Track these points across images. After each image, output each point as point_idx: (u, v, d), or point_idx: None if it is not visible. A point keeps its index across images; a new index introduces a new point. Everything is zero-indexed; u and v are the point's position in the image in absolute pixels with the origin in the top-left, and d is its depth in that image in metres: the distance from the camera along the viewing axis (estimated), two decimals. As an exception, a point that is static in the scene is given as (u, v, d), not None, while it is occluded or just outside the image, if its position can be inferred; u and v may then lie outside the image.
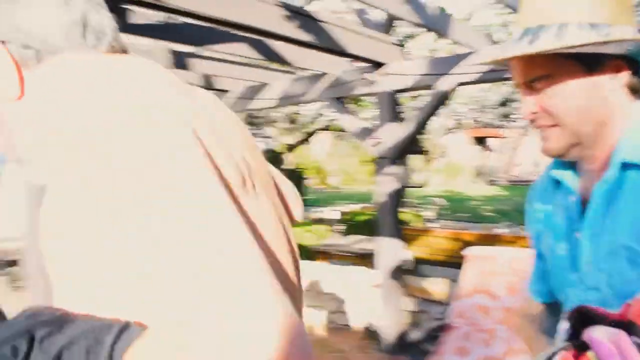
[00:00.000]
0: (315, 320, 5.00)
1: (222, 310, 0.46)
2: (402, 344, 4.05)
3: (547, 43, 0.82)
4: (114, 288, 0.54)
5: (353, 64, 4.29)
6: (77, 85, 0.60)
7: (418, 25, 3.31)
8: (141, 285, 0.51)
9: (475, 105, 13.43)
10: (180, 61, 3.92)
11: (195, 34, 3.23)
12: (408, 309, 4.33)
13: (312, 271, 5.24)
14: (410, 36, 6.40)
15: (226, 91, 4.94)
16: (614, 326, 0.60)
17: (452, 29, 3.48)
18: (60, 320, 0.52)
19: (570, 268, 0.92)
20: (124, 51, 0.73)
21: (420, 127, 3.74)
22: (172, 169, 0.53)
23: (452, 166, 24.93)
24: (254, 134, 13.70)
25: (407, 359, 3.95)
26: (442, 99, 3.55)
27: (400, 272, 4.02)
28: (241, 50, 3.49)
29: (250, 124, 10.71)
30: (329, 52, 3.42)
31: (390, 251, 3.96)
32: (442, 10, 3.42)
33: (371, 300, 4.64)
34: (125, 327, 0.51)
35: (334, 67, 4.26)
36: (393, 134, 3.82)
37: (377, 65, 3.81)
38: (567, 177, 0.95)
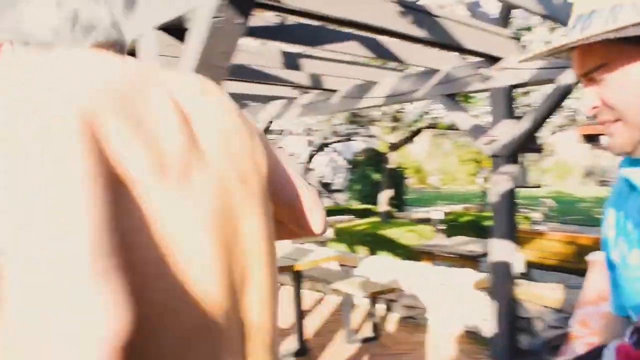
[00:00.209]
0: (418, 321, 4.91)
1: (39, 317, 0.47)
2: (515, 351, 3.86)
3: (597, 28, 0.73)
4: None
5: (464, 59, 4.16)
6: None
7: (542, 15, 3.13)
8: None
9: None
10: (290, 61, 4.01)
11: (307, 34, 3.28)
12: (520, 315, 4.13)
13: (415, 272, 5.16)
14: (527, 28, 6.09)
15: (334, 91, 4.98)
16: None
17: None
18: None
19: None
20: (115, 44, 0.78)
21: (539, 124, 3.53)
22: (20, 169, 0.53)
23: (562, 166, 23.57)
24: (356, 133, 13.77)
25: (522, 368, 3.77)
26: (564, 94, 3.33)
27: (512, 276, 3.83)
28: (351, 48, 3.49)
29: (353, 122, 10.74)
30: (443, 48, 3.33)
31: (502, 254, 3.79)
32: (565, -1, 3.21)
33: (479, 304, 4.48)
34: None
35: (443, 62, 4.15)
36: (508, 131, 3.65)
37: (492, 59, 3.65)
38: (638, 177, 0.84)
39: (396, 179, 13.26)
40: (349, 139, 14.94)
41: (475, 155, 17.87)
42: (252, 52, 3.82)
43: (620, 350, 0.73)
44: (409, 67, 6.47)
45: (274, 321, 0.80)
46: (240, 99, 5.78)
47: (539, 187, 18.26)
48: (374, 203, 13.24)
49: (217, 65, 1.73)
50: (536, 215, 11.29)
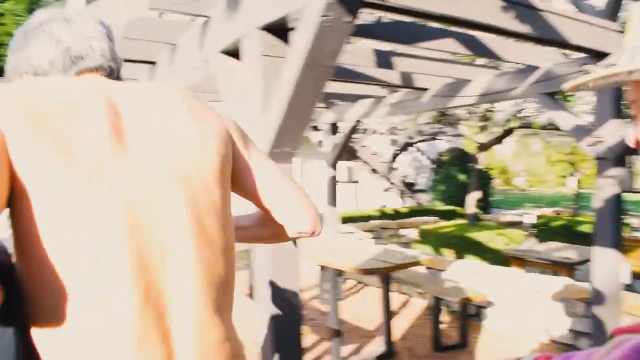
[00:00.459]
0: (509, 329, 4.72)
1: None
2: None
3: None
4: None
5: (564, 54, 3.93)
6: None
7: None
8: None
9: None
10: (382, 60, 3.97)
11: (403, 31, 3.23)
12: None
13: (507, 278, 4.96)
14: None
15: (424, 89, 4.89)
16: None
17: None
18: None
19: None
20: (101, 68, 0.97)
21: (651, 124, 3.27)
22: None
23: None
24: (442, 132, 13.45)
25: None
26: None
27: (618, 287, 3.58)
28: (447, 46, 3.40)
29: (439, 121, 10.50)
30: (546, 43, 3.17)
31: (607, 263, 3.55)
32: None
33: (575, 314, 4.24)
34: None
35: (540, 58, 3.95)
36: (615, 132, 3.41)
37: (598, 55, 3.43)
38: None
39: (483, 180, 12.85)
40: (433, 139, 14.64)
41: (566, 156, 16.94)
42: (344, 50, 3.82)
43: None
44: (500, 65, 6.23)
45: (204, 289, 0.86)
46: (328, 98, 5.81)
47: (645, 192, 17.01)
48: (459, 204, 12.90)
49: (323, 64, 1.73)
50: (635, 222, 10.57)
